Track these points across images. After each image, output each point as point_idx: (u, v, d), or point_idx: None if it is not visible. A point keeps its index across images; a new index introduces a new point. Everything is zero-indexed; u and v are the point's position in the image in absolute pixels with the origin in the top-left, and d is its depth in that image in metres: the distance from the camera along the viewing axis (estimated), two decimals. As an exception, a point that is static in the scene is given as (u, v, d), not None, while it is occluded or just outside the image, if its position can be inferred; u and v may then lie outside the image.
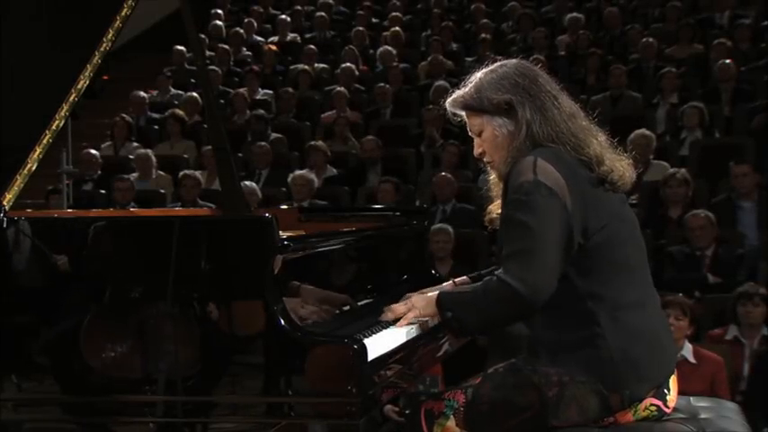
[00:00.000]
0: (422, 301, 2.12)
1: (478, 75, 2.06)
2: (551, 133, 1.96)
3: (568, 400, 1.90)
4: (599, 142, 2.01)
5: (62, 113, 2.34)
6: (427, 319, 2.18)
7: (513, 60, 2.08)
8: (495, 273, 1.94)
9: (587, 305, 1.91)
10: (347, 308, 2.36)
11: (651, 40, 7.99)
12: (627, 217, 2.03)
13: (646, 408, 1.97)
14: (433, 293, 2.12)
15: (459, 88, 2.09)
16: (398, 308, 2.16)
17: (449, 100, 2.10)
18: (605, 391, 1.89)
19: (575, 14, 8.96)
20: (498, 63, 2.07)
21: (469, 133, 2.10)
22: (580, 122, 2.01)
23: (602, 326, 1.90)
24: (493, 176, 2.12)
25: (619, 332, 1.91)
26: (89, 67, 2.37)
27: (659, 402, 1.98)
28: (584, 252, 1.92)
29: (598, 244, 1.92)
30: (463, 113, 2.08)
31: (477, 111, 2.03)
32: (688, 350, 3.89)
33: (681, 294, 4.09)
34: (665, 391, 1.99)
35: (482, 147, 2.06)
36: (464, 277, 2.40)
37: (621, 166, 2.01)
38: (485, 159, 2.08)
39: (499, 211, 2.10)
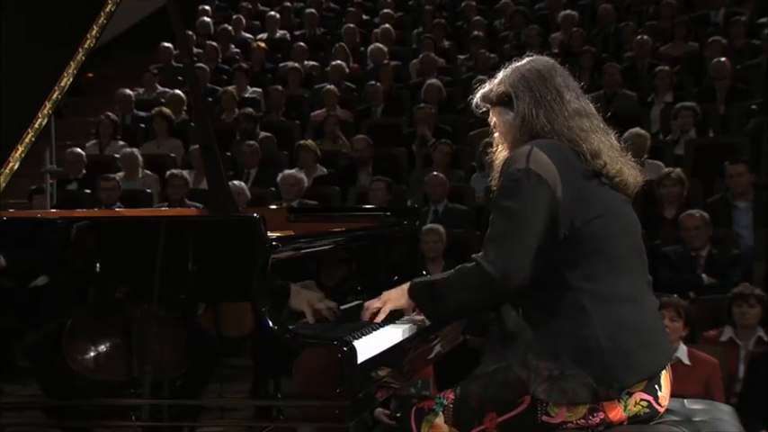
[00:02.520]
0: (395, 293, 2.17)
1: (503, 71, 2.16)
2: (547, 125, 2.02)
3: (559, 395, 1.93)
4: (601, 141, 2.04)
5: (45, 111, 2.34)
6: (421, 318, 2.21)
7: (538, 57, 2.16)
8: (473, 255, 1.99)
9: (576, 295, 1.94)
10: (339, 309, 2.36)
11: (645, 37, 8.01)
12: (625, 215, 2.05)
13: (636, 403, 1.98)
14: (405, 284, 2.16)
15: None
16: (372, 303, 2.21)
17: (476, 95, 2.19)
18: (594, 384, 1.91)
19: (568, 12, 8.98)
20: (526, 59, 2.15)
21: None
22: (584, 121, 2.05)
23: (590, 315, 1.93)
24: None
25: (608, 322, 1.93)
26: (73, 65, 2.36)
27: (650, 398, 1.99)
28: (573, 242, 1.95)
29: (587, 235, 1.95)
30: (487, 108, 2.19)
31: (488, 102, 2.14)
32: (683, 352, 3.90)
33: (675, 295, 4.11)
34: (657, 387, 2.00)
35: (498, 141, 2.16)
36: None
37: (621, 164, 2.04)
38: (500, 152, 2.16)
39: None
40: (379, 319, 2.18)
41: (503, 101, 2.08)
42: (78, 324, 2.02)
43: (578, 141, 2.01)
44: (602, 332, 1.92)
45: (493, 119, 2.16)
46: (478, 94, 2.17)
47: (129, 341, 1.99)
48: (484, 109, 2.17)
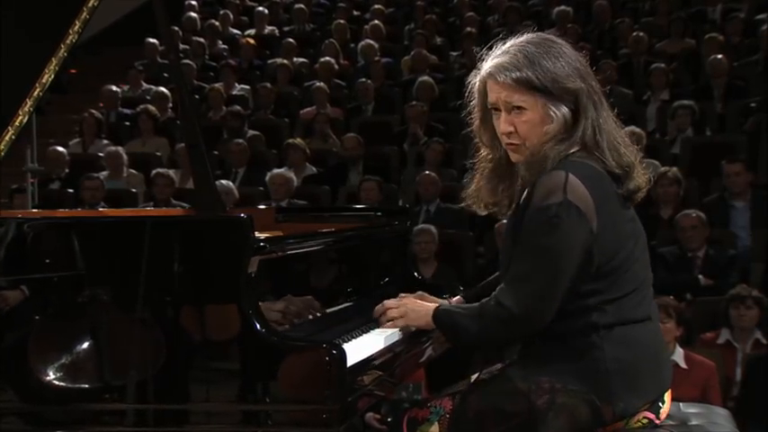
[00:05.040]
0: (417, 313, 2.13)
1: (526, 47, 1.93)
2: (600, 140, 1.91)
3: (559, 409, 1.90)
4: (628, 149, 1.96)
5: (26, 109, 2.33)
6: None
7: (540, 35, 1.97)
8: (495, 293, 1.94)
9: (591, 318, 1.92)
10: (328, 311, 2.36)
11: (641, 34, 8.04)
12: (639, 233, 2.00)
13: (638, 420, 1.98)
14: (429, 306, 2.11)
15: (498, 55, 1.95)
16: (393, 313, 2.17)
17: (493, 66, 1.94)
18: (598, 402, 1.89)
19: (563, 7, 9.01)
20: (543, 37, 1.97)
21: (499, 104, 1.96)
22: (620, 132, 1.97)
23: (601, 336, 1.91)
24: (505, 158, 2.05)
25: (617, 344, 1.91)
26: (54, 61, 2.35)
27: (652, 416, 2.00)
28: (600, 276, 1.91)
29: (614, 268, 1.91)
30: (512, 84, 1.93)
31: (538, 90, 1.91)
32: (679, 355, 3.91)
33: (672, 297, 4.12)
34: (660, 404, 2.01)
35: (513, 125, 1.95)
36: (458, 297, 2.39)
37: (643, 180, 1.98)
38: (511, 140, 1.97)
39: (491, 197, 2.07)
40: (386, 326, 2.16)
41: (568, 98, 1.90)
42: (61, 327, 2.02)
43: (620, 158, 1.91)
44: (610, 354, 1.90)
45: (524, 105, 1.91)
46: (504, 71, 1.91)
47: (114, 345, 1.99)
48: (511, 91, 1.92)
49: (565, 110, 1.92)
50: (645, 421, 1.98)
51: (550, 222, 1.84)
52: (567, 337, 1.93)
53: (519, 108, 1.94)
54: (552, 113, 1.92)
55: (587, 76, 1.95)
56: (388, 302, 2.19)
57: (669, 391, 2.04)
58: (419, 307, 2.14)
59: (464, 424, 2.00)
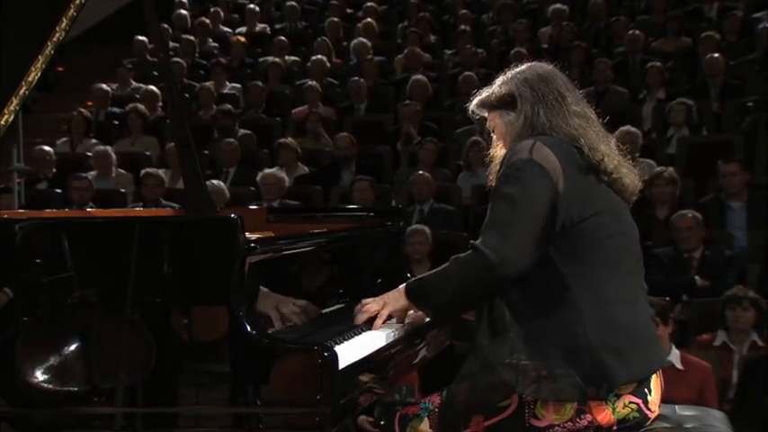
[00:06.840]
0: (392, 295, 2.20)
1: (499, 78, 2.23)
2: (547, 123, 2.08)
3: (546, 396, 1.97)
4: (599, 138, 2.10)
5: (11, 108, 2.33)
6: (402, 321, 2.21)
7: (538, 63, 2.22)
8: (471, 242, 2.04)
9: (569, 292, 1.99)
10: (319, 313, 2.36)
11: (637, 32, 8.06)
12: (625, 219, 2.10)
13: (625, 405, 2.01)
14: (401, 286, 2.19)
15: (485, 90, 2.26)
16: (371, 306, 2.22)
17: (472, 102, 2.25)
18: (583, 384, 1.95)
19: (558, 5, 9.02)
20: (526, 65, 2.21)
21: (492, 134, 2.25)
22: (582, 120, 2.11)
23: (581, 312, 1.97)
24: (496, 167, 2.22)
25: (598, 320, 1.97)
26: (41, 59, 2.35)
27: (639, 401, 2.02)
28: (570, 236, 2.00)
29: (584, 231, 2.00)
30: (486, 114, 2.24)
31: (488, 107, 2.20)
32: (675, 356, 3.92)
33: (668, 299, 4.13)
34: (647, 390, 2.03)
35: (498, 145, 2.22)
36: None
37: (619, 162, 2.10)
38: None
39: None
40: (377, 326, 2.20)
41: (505, 102, 2.14)
42: (50, 329, 2.01)
43: (576, 137, 2.07)
44: (592, 330, 1.96)
45: (491, 124, 2.21)
46: (475, 102, 2.22)
47: (103, 347, 1.99)
48: (480, 116, 2.23)
49: (510, 113, 2.15)
50: (633, 406, 2.01)
51: (513, 174, 2.02)
52: (549, 312, 1.98)
53: (493, 128, 2.21)
54: (505, 121, 2.16)
55: (534, 79, 2.13)
56: (365, 300, 2.25)
57: (658, 382, 2.07)
58: (391, 292, 2.22)
59: (452, 416, 2.06)
